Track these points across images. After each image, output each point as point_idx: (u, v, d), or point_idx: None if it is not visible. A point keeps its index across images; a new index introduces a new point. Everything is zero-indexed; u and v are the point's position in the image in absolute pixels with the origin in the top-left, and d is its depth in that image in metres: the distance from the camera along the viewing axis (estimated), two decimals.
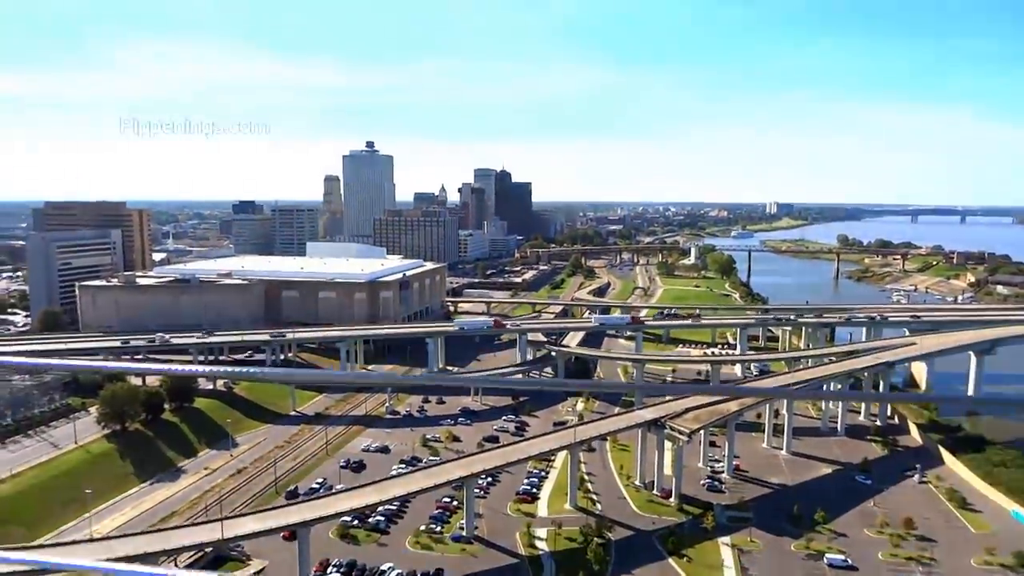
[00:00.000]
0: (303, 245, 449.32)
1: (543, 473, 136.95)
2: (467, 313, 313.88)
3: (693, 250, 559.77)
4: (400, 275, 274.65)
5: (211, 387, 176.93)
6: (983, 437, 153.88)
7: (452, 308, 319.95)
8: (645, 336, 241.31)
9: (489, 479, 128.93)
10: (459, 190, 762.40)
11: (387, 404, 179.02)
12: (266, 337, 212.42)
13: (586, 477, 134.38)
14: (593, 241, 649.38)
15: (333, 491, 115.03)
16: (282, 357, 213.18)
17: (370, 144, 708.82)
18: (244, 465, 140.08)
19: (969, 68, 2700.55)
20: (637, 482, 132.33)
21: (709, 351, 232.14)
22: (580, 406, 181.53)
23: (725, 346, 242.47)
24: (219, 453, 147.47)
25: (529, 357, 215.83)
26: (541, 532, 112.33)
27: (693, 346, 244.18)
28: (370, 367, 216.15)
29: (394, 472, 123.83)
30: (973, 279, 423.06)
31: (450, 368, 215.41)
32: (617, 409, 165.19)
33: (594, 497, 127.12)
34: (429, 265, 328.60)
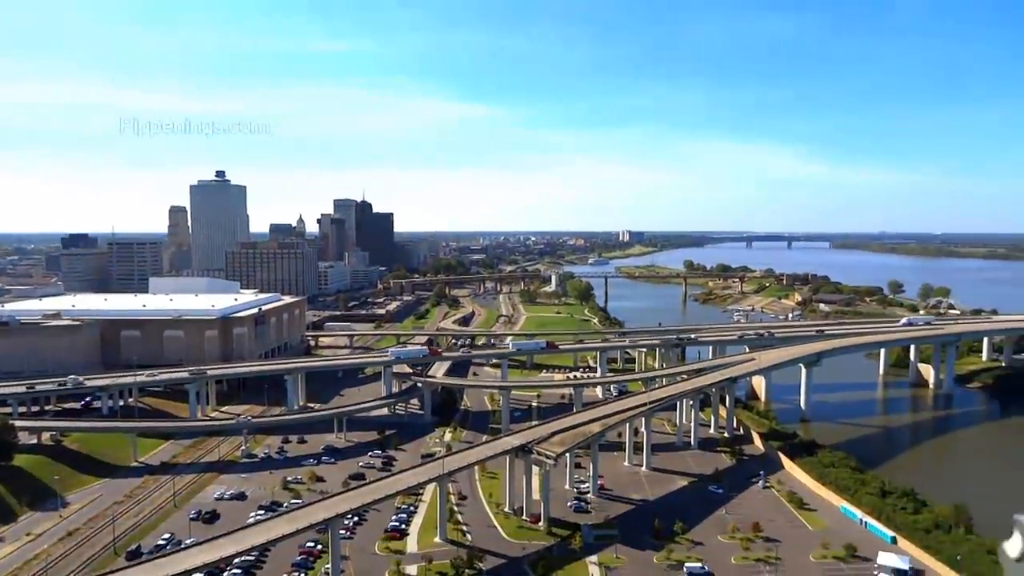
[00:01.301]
0: (145, 281, 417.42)
1: (412, 508, 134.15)
2: (329, 347, 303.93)
3: (553, 278, 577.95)
4: (255, 310, 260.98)
5: (35, 441, 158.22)
6: (815, 442, 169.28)
7: (313, 342, 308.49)
8: (510, 363, 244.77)
9: (356, 518, 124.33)
10: (318, 221, 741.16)
11: (243, 448, 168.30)
12: (122, 380, 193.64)
13: (456, 508, 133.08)
14: (457, 271, 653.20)
15: (182, 546, 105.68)
16: (120, 403, 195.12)
17: (220, 173, 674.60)
18: (76, 526, 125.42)
19: (793, 115, 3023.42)
20: (507, 509, 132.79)
21: (571, 375, 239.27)
22: (448, 437, 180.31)
23: (586, 369, 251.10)
24: (45, 515, 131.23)
25: (395, 389, 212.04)
26: (411, 569, 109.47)
27: (556, 371, 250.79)
28: (222, 409, 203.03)
29: (251, 520, 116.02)
30: (800, 298, 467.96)
31: (311, 406, 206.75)
32: (485, 437, 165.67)
33: (464, 528, 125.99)
34: (287, 299, 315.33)
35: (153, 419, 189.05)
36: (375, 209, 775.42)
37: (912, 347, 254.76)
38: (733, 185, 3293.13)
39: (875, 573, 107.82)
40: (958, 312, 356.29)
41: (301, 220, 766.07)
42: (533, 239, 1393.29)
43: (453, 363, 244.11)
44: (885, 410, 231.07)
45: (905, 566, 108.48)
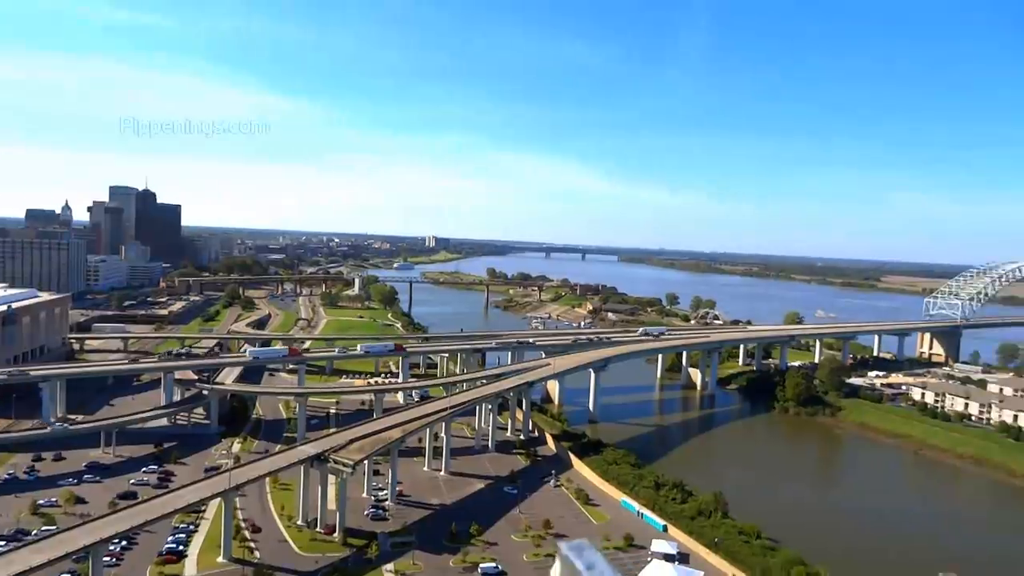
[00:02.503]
0: None
1: (192, 527, 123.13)
2: (98, 351, 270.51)
3: (357, 281, 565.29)
4: (4, 307, 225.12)
5: None
6: (601, 441, 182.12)
7: (78, 345, 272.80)
8: (308, 369, 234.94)
9: (124, 543, 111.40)
10: (89, 209, 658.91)
11: None
12: None
13: (243, 524, 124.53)
14: (253, 270, 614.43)
15: None
16: None
17: None
18: None
19: (588, 135, 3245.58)
20: (300, 521, 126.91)
21: (372, 380, 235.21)
22: (236, 448, 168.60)
23: (388, 375, 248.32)
24: None
25: (177, 397, 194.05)
26: None
27: (356, 376, 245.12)
28: None
29: None
30: (591, 307, 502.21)
31: (72, 417, 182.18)
32: (279, 447, 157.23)
33: (252, 545, 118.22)
34: (46, 296, 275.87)
35: None
36: (160, 200, 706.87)
37: (684, 353, 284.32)
38: (536, 197, 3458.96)
39: (649, 559, 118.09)
40: (721, 322, 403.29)
41: (67, 207, 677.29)
42: (337, 241, 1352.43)
43: (245, 368, 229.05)
44: (661, 410, 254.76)
45: (673, 551, 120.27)
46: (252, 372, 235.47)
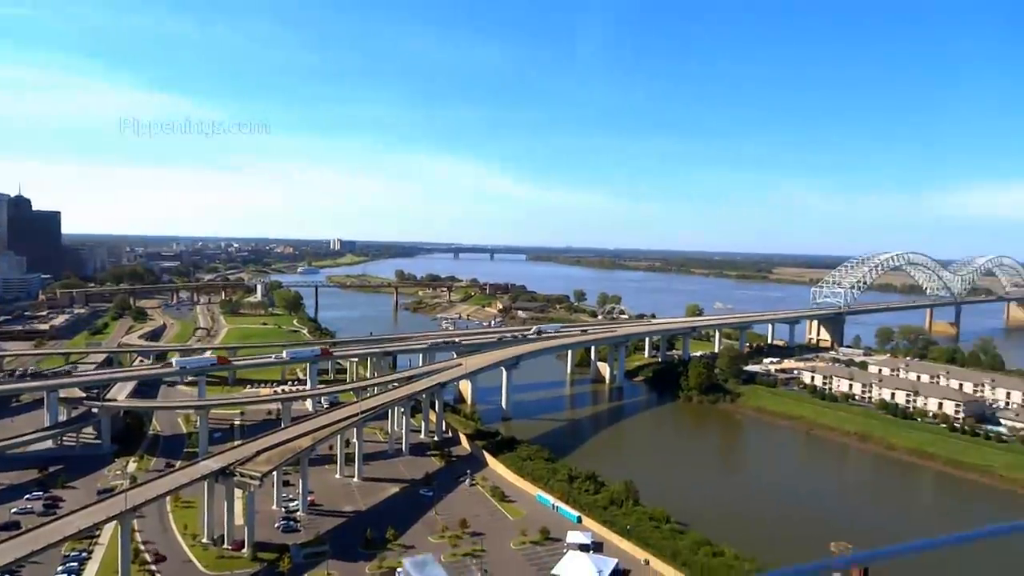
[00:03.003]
0: None
1: (85, 554, 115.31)
2: None
3: (259, 287, 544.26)
4: None
5: None
6: (515, 438, 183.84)
7: None
8: (209, 380, 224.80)
9: None
10: None
11: None
12: None
13: (142, 548, 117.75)
14: (144, 279, 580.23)
15: None
16: None
17: None
18: None
19: (494, 136, 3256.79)
20: (205, 539, 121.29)
21: (279, 389, 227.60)
22: (132, 467, 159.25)
23: (295, 382, 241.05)
24: None
25: (64, 417, 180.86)
26: None
27: (262, 385, 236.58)
28: None
29: None
30: (501, 306, 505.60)
31: None
32: (179, 464, 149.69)
33: (153, 568, 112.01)
34: None
35: None
36: (36, 207, 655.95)
37: (592, 348, 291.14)
38: (444, 198, 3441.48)
39: (564, 550, 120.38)
40: (627, 316, 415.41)
41: None
42: (236, 246, 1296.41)
43: (140, 383, 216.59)
44: (572, 405, 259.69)
45: (588, 541, 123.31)
46: (148, 387, 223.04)
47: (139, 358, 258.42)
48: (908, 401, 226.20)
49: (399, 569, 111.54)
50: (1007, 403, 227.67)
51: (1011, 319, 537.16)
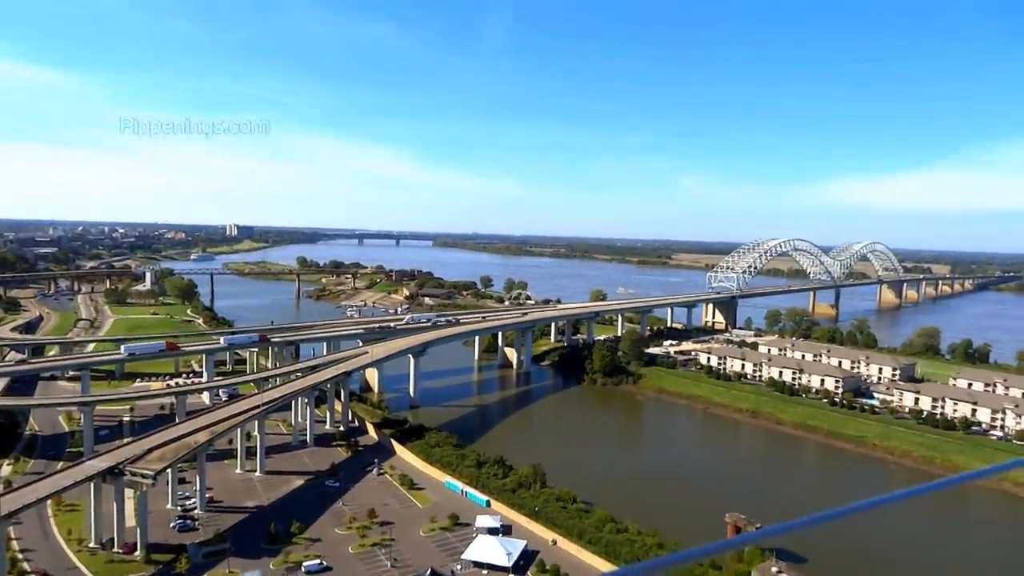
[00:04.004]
0: None
1: None
2: None
3: (148, 275, 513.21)
4: None
5: None
6: (423, 426, 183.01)
7: None
8: (94, 374, 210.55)
9: None
10: None
11: None
12: None
13: (20, 556, 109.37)
14: (16, 267, 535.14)
15: None
16: None
17: None
18: None
19: (396, 120, 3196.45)
20: (93, 544, 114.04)
21: (173, 382, 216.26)
22: (6, 471, 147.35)
23: (191, 375, 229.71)
24: None
25: None
26: None
27: (153, 379, 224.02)
28: None
29: None
30: (408, 292, 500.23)
31: None
32: (61, 464, 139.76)
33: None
34: None
35: None
36: None
37: (500, 333, 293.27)
38: (346, 183, 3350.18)
39: (474, 535, 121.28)
40: (533, 302, 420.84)
41: None
42: (122, 231, 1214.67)
43: (12, 379, 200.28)
44: (480, 390, 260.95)
45: (497, 524, 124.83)
46: (22, 383, 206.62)
47: (11, 351, 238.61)
48: (794, 378, 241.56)
49: (306, 563, 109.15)
50: (879, 378, 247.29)
51: (883, 301, 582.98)
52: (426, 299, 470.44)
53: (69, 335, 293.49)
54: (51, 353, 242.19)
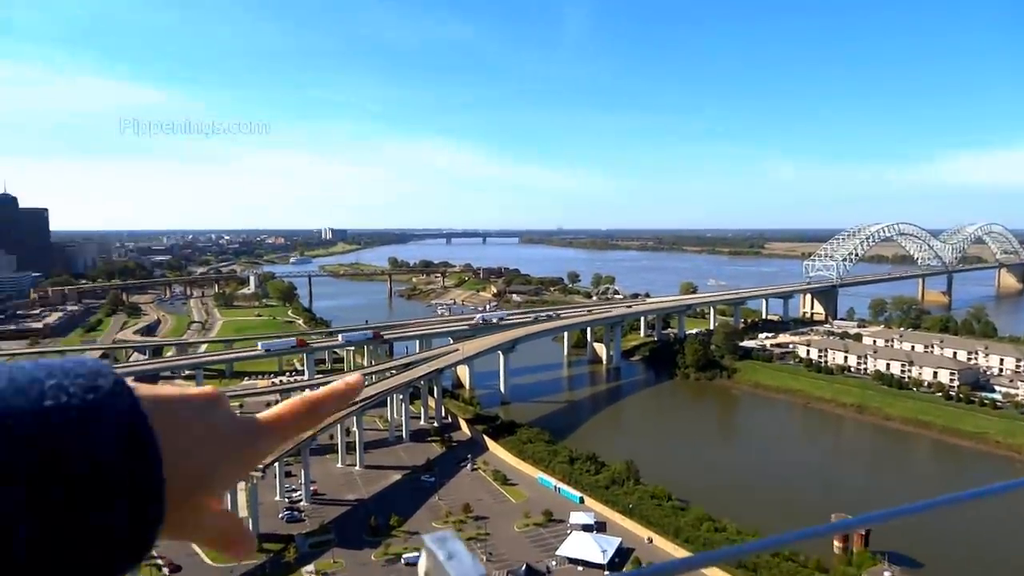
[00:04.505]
0: None
1: None
2: None
3: (252, 279, 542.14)
4: None
5: None
6: (514, 422, 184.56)
7: None
8: (206, 373, 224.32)
9: None
10: None
11: None
12: None
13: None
14: (136, 275, 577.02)
15: None
16: None
17: None
18: None
19: (476, 118, 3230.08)
20: None
21: (276, 380, 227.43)
22: None
23: (293, 372, 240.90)
24: None
25: None
26: None
27: (259, 377, 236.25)
28: None
29: None
30: (496, 290, 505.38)
31: None
32: None
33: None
34: None
35: None
36: (22, 204, 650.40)
37: (588, 329, 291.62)
38: (434, 183, 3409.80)
39: (568, 531, 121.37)
40: (621, 296, 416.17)
41: None
42: (227, 238, 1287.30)
43: (136, 378, 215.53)
44: (570, 386, 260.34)
45: (591, 521, 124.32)
46: (145, 382, 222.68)
47: (135, 353, 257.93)
48: (903, 371, 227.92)
49: (405, 555, 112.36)
50: (1001, 370, 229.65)
51: (1002, 286, 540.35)
52: (514, 296, 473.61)
53: (184, 336, 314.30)
54: (168, 353, 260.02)
